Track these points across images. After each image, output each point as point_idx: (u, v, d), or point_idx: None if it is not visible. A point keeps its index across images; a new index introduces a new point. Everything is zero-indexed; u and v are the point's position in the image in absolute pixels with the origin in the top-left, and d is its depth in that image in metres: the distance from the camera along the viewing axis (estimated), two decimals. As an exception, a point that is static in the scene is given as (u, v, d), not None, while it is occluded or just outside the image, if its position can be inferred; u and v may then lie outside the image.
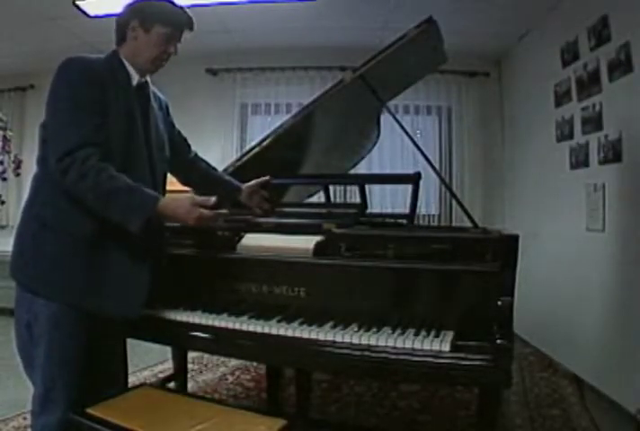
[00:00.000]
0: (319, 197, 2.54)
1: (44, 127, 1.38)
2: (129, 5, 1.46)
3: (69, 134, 1.28)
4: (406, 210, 1.73)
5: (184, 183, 1.84)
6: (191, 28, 1.49)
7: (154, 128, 1.51)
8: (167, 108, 1.67)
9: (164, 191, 1.56)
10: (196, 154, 1.83)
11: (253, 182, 1.81)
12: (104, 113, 1.34)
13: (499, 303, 1.23)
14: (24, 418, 2.10)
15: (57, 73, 1.34)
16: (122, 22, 1.45)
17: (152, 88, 1.56)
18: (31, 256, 1.36)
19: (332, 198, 2.29)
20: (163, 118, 1.61)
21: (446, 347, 1.18)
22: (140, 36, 1.43)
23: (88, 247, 1.35)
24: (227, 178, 1.84)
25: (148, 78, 1.53)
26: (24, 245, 1.38)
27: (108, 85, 1.36)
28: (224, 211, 1.44)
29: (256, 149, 2.00)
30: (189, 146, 1.80)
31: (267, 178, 1.81)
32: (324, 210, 1.78)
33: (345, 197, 4.07)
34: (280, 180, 1.87)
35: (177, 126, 1.74)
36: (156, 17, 1.42)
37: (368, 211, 1.79)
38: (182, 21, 1.47)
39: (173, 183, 1.72)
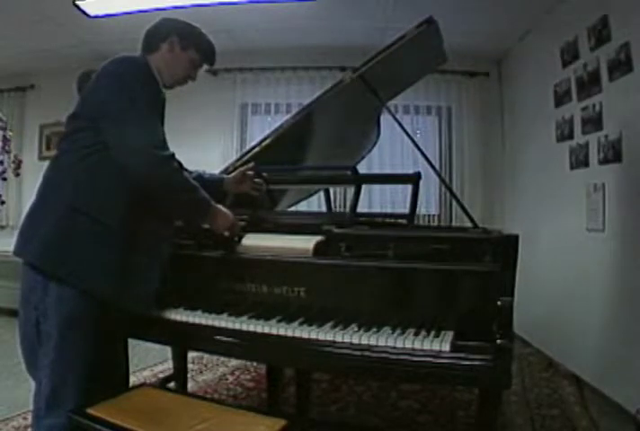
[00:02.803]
0: (319, 198, 2.54)
1: (76, 117, 1.38)
2: (171, 21, 1.56)
3: (153, 130, 1.34)
4: (406, 210, 1.73)
5: None
6: (211, 64, 1.61)
7: None
8: None
9: None
10: None
11: (236, 172, 1.81)
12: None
13: (499, 303, 1.23)
14: (24, 418, 2.10)
15: (124, 67, 1.36)
16: (159, 34, 1.52)
17: None
18: (50, 238, 1.31)
19: (331, 198, 2.29)
20: None
21: (446, 347, 1.18)
22: (177, 51, 1.52)
23: (114, 235, 1.34)
24: (207, 175, 1.81)
25: None
26: (43, 227, 1.33)
27: None
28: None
29: (256, 149, 2.01)
30: None
31: (251, 165, 1.82)
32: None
33: (345, 198, 4.06)
34: (265, 167, 1.86)
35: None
36: (195, 41, 1.55)
37: (368, 211, 1.79)
38: (210, 55, 1.60)
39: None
